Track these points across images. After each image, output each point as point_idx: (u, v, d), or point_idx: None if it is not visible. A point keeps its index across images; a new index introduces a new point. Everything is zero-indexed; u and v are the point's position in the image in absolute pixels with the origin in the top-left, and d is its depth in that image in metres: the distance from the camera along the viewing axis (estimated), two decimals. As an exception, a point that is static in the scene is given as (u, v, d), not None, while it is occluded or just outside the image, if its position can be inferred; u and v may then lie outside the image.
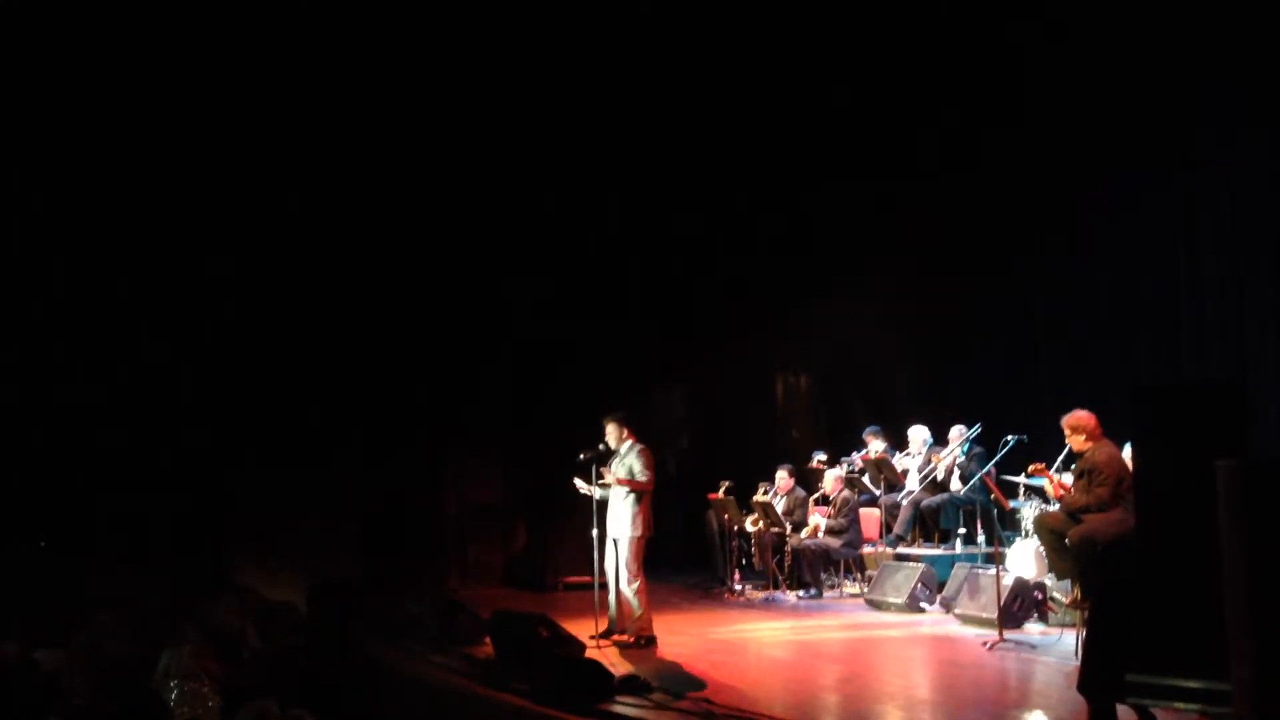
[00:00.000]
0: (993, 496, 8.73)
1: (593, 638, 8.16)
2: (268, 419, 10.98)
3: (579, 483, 8.63)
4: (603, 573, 8.47)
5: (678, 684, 6.81)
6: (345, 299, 11.47)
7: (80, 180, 10.53)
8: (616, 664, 7.40)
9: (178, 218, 10.85)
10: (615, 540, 8.36)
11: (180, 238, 10.87)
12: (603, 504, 8.44)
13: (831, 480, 11.18)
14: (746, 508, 11.25)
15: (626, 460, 8.37)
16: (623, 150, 11.95)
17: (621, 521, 8.30)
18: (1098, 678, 5.23)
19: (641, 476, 8.29)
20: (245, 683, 6.25)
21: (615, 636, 8.37)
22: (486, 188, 11.88)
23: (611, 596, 8.44)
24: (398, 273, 11.70)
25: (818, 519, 11.02)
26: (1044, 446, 9.56)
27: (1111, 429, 8.01)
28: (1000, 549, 8.79)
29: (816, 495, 11.36)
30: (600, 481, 8.45)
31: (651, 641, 8.25)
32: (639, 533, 8.27)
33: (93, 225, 10.65)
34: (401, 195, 11.59)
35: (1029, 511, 9.34)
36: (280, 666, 6.86)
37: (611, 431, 8.45)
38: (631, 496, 8.28)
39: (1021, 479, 9.31)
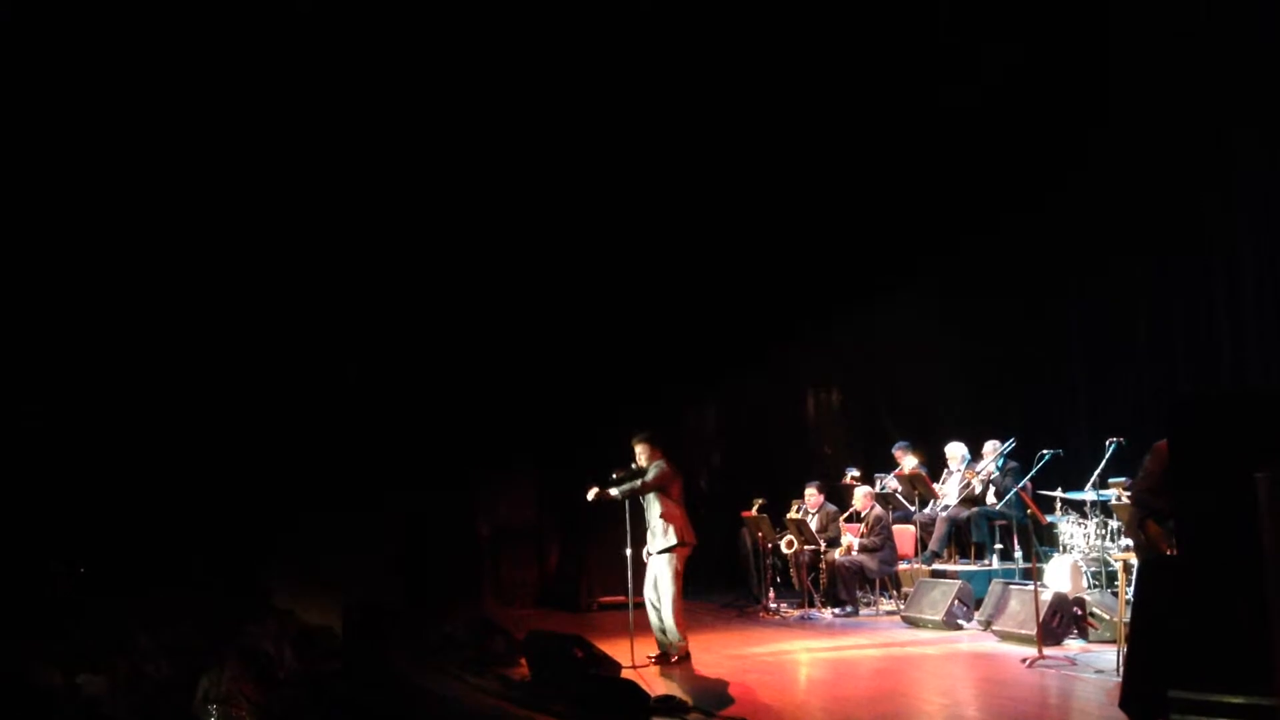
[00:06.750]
0: (1029, 511, 8.66)
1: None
2: (304, 445, 11.06)
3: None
4: (638, 592, 8.43)
5: (714, 703, 6.77)
6: (376, 322, 11.56)
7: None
8: (653, 684, 7.38)
9: (221, 246, 11.02)
10: (647, 554, 8.33)
11: (212, 263, 11.02)
12: (636, 523, 8.40)
13: (861, 497, 11.11)
14: (780, 525, 11.20)
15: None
16: (654, 165, 11.97)
17: (655, 535, 8.27)
18: (1140, 694, 5.18)
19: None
20: (282, 706, 6.30)
21: (656, 653, 8.32)
22: (515, 207, 11.94)
23: (652, 617, 8.36)
24: (427, 297, 11.78)
25: (850, 538, 10.95)
26: (1079, 461, 9.47)
27: (1151, 441, 7.90)
28: (1038, 564, 8.71)
29: (848, 513, 11.30)
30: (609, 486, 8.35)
31: (685, 659, 8.20)
32: (672, 543, 8.18)
33: (144, 254, 10.83)
34: (430, 219, 11.67)
35: (1066, 526, 9.25)
36: (317, 689, 6.90)
37: (641, 452, 8.43)
38: (655, 506, 8.24)
39: (1059, 493, 9.21)
